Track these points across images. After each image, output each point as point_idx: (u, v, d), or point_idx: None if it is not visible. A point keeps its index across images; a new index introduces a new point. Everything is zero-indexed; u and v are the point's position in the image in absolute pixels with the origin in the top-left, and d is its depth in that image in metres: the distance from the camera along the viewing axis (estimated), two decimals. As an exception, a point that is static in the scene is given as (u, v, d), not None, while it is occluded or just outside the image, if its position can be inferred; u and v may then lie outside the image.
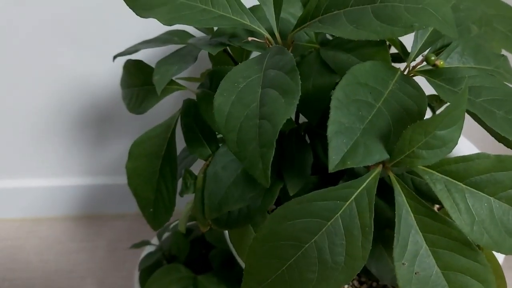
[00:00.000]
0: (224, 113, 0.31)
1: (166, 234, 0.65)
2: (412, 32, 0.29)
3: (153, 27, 0.49)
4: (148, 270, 0.59)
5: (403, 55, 0.38)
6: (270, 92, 0.30)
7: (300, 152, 0.42)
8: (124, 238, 0.86)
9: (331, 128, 0.30)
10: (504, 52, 0.46)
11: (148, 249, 0.66)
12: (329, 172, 0.29)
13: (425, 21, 0.29)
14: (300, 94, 0.29)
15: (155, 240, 0.66)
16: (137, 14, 0.36)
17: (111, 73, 0.72)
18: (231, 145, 0.30)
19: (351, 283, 0.49)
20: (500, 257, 0.45)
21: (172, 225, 0.63)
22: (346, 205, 0.29)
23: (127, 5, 0.37)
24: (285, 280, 0.29)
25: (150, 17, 0.36)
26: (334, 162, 0.29)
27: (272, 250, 0.29)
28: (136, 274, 0.62)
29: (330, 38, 0.42)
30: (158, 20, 0.35)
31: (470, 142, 0.53)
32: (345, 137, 0.29)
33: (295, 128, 0.43)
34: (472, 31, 0.42)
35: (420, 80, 0.36)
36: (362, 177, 0.30)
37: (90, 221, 0.90)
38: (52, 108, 0.77)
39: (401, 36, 0.29)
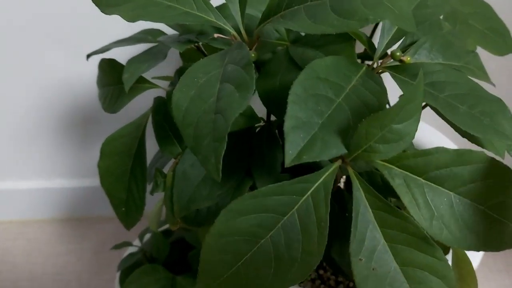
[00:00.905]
0: (182, 108, 0.31)
1: (147, 236, 0.65)
2: (367, 25, 0.28)
3: (135, 30, 0.49)
4: (128, 270, 0.59)
5: (370, 51, 0.37)
6: (227, 87, 0.30)
7: (271, 149, 0.41)
8: (110, 241, 0.86)
9: (288, 123, 0.29)
10: (479, 49, 0.46)
11: (130, 250, 0.66)
12: (285, 166, 0.29)
13: (381, 14, 0.28)
14: (254, 88, 0.28)
15: (137, 242, 0.66)
16: (101, 11, 0.36)
17: (94, 74, 0.72)
18: (187, 140, 0.30)
19: (327, 283, 0.48)
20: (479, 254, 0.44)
21: (150, 226, 0.63)
22: (302, 200, 0.29)
23: (93, 1, 0.37)
24: (241, 276, 0.29)
25: (114, 14, 0.35)
26: (290, 156, 0.29)
27: (227, 245, 0.29)
28: (117, 275, 0.62)
29: (303, 35, 0.41)
30: (121, 16, 0.35)
31: (441, 133, 0.53)
32: (302, 132, 0.29)
33: (266, 126, 0.43)
34: (444, 28, 0.42)
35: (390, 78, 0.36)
36: (318, 172, 0.30)
37: (77, 223, 0.89)
38: (37, 110, 0.77)
39: (356, 28, 0.29)
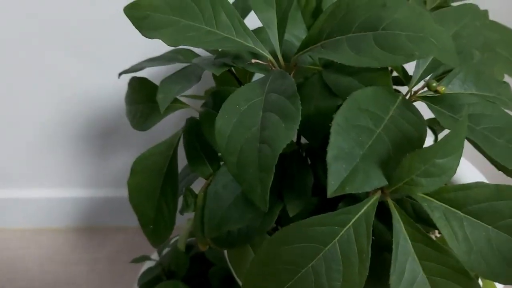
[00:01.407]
0: (226, 135, 0.31)
1: (166, 250, 0.65)
2: (413, 60, 0.29)
3: (160, 44, 0.50)
4: (147, 285, 0.59)
5: (404, 80, 0.38)
6: (271, 116, 0.30)
7: (301, 173, 0.42)
8: (124, 251, 0.86)
9: (331, 153, 0.30)
10: (507, 77, 0.47)
11: (147, 264, 0.66)
12: (327, 197, 0.29)
13: (426, 50, 0.29)
14: (300, 119, 0.29)
15: (155, 255, 0.66)
16: (143, 35, 0.37)
17: (117, 87, 0.73)
18: (231, 167, 0.30)
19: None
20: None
21: (172, 241, 0.63)
22: (343, 230, 0.30)
23: (134, 25, 0.37)
24: (282, 304, 0.29)
25: (155, 38, 0.36)
26: (333, 187, 0.29)
27: (270, 273, 0.29)
28: (135, 289, 0.62)
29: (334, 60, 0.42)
30: (163, 41, 0.36)
31: (474, 167, 0.53)
32: (344, 163, 0.30)
33: (297, 149, 0.43)
34: (475, 57, 0.42)
35: (421, 105, 0.36)
36: (360, 203, 0.30)
37: (92, 233, 0.90)
38: (58, 120, 0.78)
39: (402, 64, 0.29)
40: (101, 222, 0.90)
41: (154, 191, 0.44)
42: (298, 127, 0.38)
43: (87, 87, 0.75)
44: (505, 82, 0.40)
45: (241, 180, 0.29)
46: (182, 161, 0.45)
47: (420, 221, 0.40)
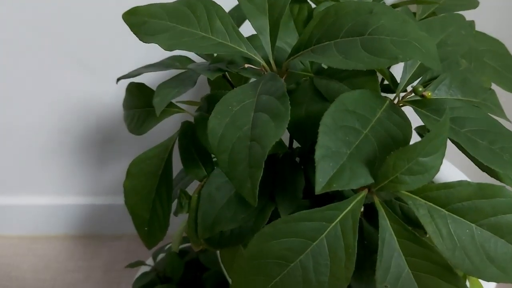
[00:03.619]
0: (217, 134, 0.32)
1: (161, 255, 0.65)
2: (397, 63, 0.30)
3: (156, 52, 0.51)
4: (141, 290, 0.60)
5: (392, 85, 0.39)
6: (262, 116, 0.31)
7: (293, 175, 0.43)
8: (121, 259, 0.87)
9: (319, 152, 0.31)
10: (494, 86, 0.48)
11: (143, 269, 0.67)
12: (315, 194, 0.30)
13: (409, 54, 0.30)
14: (289, 118, 0.30)
15: (150, 261, 0.67)
16: (140, 40, 0.38)
17: (115, 95, 0.74)
18: (222, 165, 0.31)
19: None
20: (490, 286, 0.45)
21: (167, 246, 0.64)
22: (331, 226, 0.30)
23: (132, 31, 0.39)
24: (271, 298, 0.30)
25: (152, 43, 0.37)
26: (320, 184, 0.30)
27: (259, 267, 0.30)
28: (130, 294, 0.62)
29: (325, 67, 0.43)
30: (159, 45, 0.37)
31: (460, 171, 0.55)
32: (331, 161, 0.31)
33: (289, 153, 0.44)
34: (461, 65, 0.43)
35: (411, 112, 0.38)
36: (347, 200, 0.31)
37: (88, 240, 0.90)
38: (56, 128, 0.79)
39: (386, 66, 0.31)
40: (98, 230, 0.90)
41: (149, 193, 0.45)
42: (287, 126, 0.40)
43: (84, 94, 0.76)
44: (490, 89, 0.41)
45: (232, 177, 0.31)
46: (178, 164, 0.46)
47: (409, 222, 0.41)
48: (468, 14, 0.50)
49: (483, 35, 0.52)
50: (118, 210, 0.84)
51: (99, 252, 0.89)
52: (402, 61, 0.30)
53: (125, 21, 0.40)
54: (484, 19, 0.58)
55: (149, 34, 0.38)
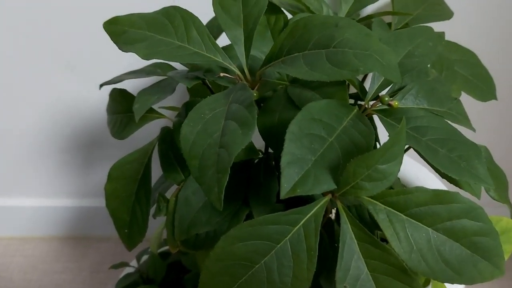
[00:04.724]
0: (189, 141, 0.34)
1: (144, 257, 0.67)
2: (358, 75, 0.32)
3: (143, 61, 0.53)
4: (124, 290, 0.61)
5: (361, 94, 0.41)
6: (231, 124, 0.33)
7: (267, 180, 0.44)
8: (108, 261, 0.88)
9: (284, 159, 0.32)
10: (464, 95, 0.50)
11: (127, 270, 0.68)
12: (280, 198, 0.32)
13: (370, 66, 0.32)
14: (255, 127, 0.32)
15: (134, 263, 0.68)
16: (119, 48, 0.40)
17: (102, 99, 0.75)
18: (193, 170, 0.33)
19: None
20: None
21: (151, 249, 0.65)
22: (295, 229, 0.32)
23: (112, 40, 0.40)
24: (236, 298, 0.32)
25: (130, 51, 0.39)
26: (285, 189, 0.32)
27: (225, 268, 0.32)
28: (113, 294, 0.64)
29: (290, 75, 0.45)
30: (137, 54, 0.39)
31: (427, 170, 0.56)
32: (296, 167, 0.32)
33: (264, 158, 0.46)
34: (430, 75, 0.45)
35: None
36: (310, 204, 0.33)
37: (76, 242, 0.91)
38: (43, 130, 0.80)
39: (348, 78, 0.32)
40: (85, 232, 0.91)
41: (129, 196, 0.47)
42: (261, 133, 0.41)
43: (73, 99, 0.77)
44: (456, 99, 0.43)
45: (201, 182, 0.32)
46: (159, 169, 0.48)
47: (376, 227, 0.42)
48: (443, 25, 0.52)
49: (455, 45, 0.54)
50: (105, 212, 0.84)
51: (86, 253, 0.90)
52: (362, 73, 0.32)
53: (105, 30, 0.41)
54: (458, 29, 0.60)
55: (128, 43, 0.40)
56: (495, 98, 0.52)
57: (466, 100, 0.47)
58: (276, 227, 0.32)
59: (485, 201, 0.40)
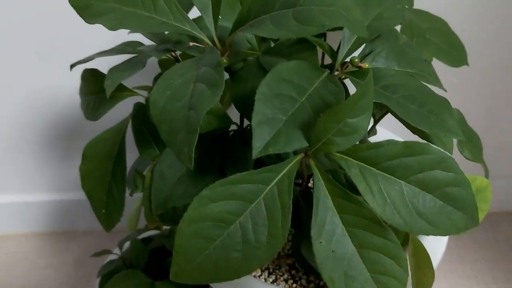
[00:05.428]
0: (159, 107, 0.33)
1: (127, 245, 0.66)
2: (324, 30, 0.32)
3: (117, 43, 0.52)
4: (107, 276, 0.60)
5: (331, 58, 0.41)
6: (199, 86, 0.33)
7: (243, 151, 0.44)
8: (90, 254, 0.87)
9: (255, 119, 0.32)
10: (436, 61, 0.50)
11: (110, 258, 0.67)
12: (252, 158, 0.31)
13: (336, 21, 0.32)
14: (223, 85, 0.31)
15: (117, 251, 0.68)
16: (85, 21, 0.39)
17: (76, 87, 0.74)
18: (163, 134, 0.33)
19: (299, 282, 0.51)
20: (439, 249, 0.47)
21: (131, 232, 0.65)
22: (268, 188, 0.32)
23: (77, 13, 0.40)
24: (212, 260, 0.31)
25: (96, 23, 0.38)
26: (257, 149, 0.31)
27: (199, 230, 0.31)
28: (96, 281, 0.63)
29: (272, 46, 0.45)
30: (103, 25, 0.38)
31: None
32: (267, 127, 0.32)
33: (240, 129, 0.46)
34: (400, 39, 0.45)
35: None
36: (283, 162, 0.33)
37: (58, 237, 0.90)
38: (18, 123, 0.79)
39: (314, 34, 0.32)
40: (67, 226, 0.90)
41: (104, 175, 0.46)
42: (234, 102, 0.41)
43: (46, 88, 0.76)
44: (426, 60, 0.43)
45: (171, 145, 0.32)
46: (135, 149, 0.47)
47: (352, 190, 0.42)
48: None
49: (425, 13, 0.54)
50: (86, 206, 0.83)
51: (70, 248, 0.89)
52: (328, 28, 0.32)
53: (71, 4, 0.40)
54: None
55: (94, 15, 0.39)
56: (467, 64, 0.52)
57: (440, 70, 0.48)
58: (249, 186, 0.32)
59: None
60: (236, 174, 0.32)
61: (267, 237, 0.31)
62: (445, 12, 0.57)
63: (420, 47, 0.50)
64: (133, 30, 0.39)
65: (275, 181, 0.32)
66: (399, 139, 0.58)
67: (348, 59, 0.41)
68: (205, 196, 0.31)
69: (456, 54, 0.52)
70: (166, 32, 0.46)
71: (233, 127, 0.46)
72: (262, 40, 0.44)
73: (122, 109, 0.53)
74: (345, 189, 0.32)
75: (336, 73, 0.41)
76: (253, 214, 0.32)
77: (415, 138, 0.40)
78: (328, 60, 0.45)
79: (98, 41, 0.66)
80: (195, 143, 0.30)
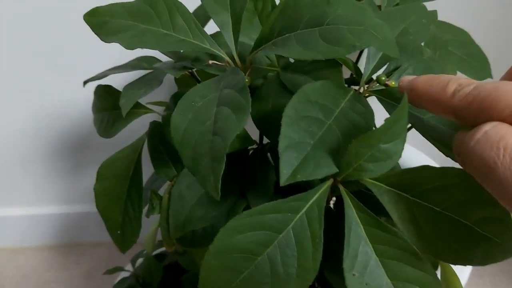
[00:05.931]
0: (181, 130, 0.32)
1: (140, 261, 0.65)
2: (354, 51, 0.30)
3: (130, 57, 0.51)
4: (120, 295, 0.59)
5: (356, 76, 0.39)
6: (224, 110, 0.31)
7: (263, 171, 0.43)
8: (101, 267, 0.86)
9: (282, 143, 0.31)
10: (459, 74, 0.49)
11: (122, 275, 0.66)
12: (280, 185, 0.30)
13: (366, 41, 0.30)
14: (250, 110, 0.30)
15: (129, 267, 0.66)
16: (101, 39, 0.38)
17: (88, 100, 0.73)
18: (185, 160, 0.31)
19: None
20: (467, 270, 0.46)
21: (146, 251, 0.63)
22: (297, 217, 0.30)
23: (93, 31, 0.39)
24: (239, 293, 0.30)
25: (113, 42, 0.37)
26: (285, 176, 0.30)
27: (226, 263, 0.30)
28: (109, 300, 0.61)
29: (292, 61, 0.44)
30: (120, 44, 0.37)
31: (427, 156, 0.55)
32: (295, 152, 0.31)
33: (259, 148, 0.44)
34: (425, 53, 0.44)
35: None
36: (312, 190, 0.31)
37: (68, 250, 0.89)
38: (29, 136, 0.78)
39: (344, 55, 0.31)
40: (77, 239, 0.89)
41: (120, 195, 0.45)
42: (255, 121, 0.39)
43: (58, 101, 0.75)
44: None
45: (195, 172, 0.30)
46: (150, 166, 0.46)
47: (380, 212, 0.41)
48: (433, 5, 0.51)
49: (447, 25, 0.53)
50: (96, 218, 0.82)
51: (79, 261, 0.87)
52: (358, 49, 0.30)
53: (86, 22, 0.39)
54: (449, 9, 0.59)
55: (110, 34, 0.38)
56: (491, 77, 0.51)
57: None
58: (277, 215, 0.30)
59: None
60: (265, 204, 0.30)
61: (297, 269, 0.30)
62: (465, 22, 0.56)
63: (443, 60, 0.48)
64: (151, 48, 0.37)
65: (304, 210, 0.31)
66: (424, 155, 0.57)
67: (374, 76, 0.39)
68: (232, 227, 0.30)
69: (479, 67, 0.51)
70: (182, 49, 0.45)
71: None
72: (281, 55, 0.43)
73: (135, 125, 0.52)
74: (377, 217, 0.31)
75: (360, 90, 0.39)
76: (281, 245, 0.30)
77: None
78: (346, 74, 0.44)
79: (112, 53, 0.65)
80: (222, 172, 0.29)
